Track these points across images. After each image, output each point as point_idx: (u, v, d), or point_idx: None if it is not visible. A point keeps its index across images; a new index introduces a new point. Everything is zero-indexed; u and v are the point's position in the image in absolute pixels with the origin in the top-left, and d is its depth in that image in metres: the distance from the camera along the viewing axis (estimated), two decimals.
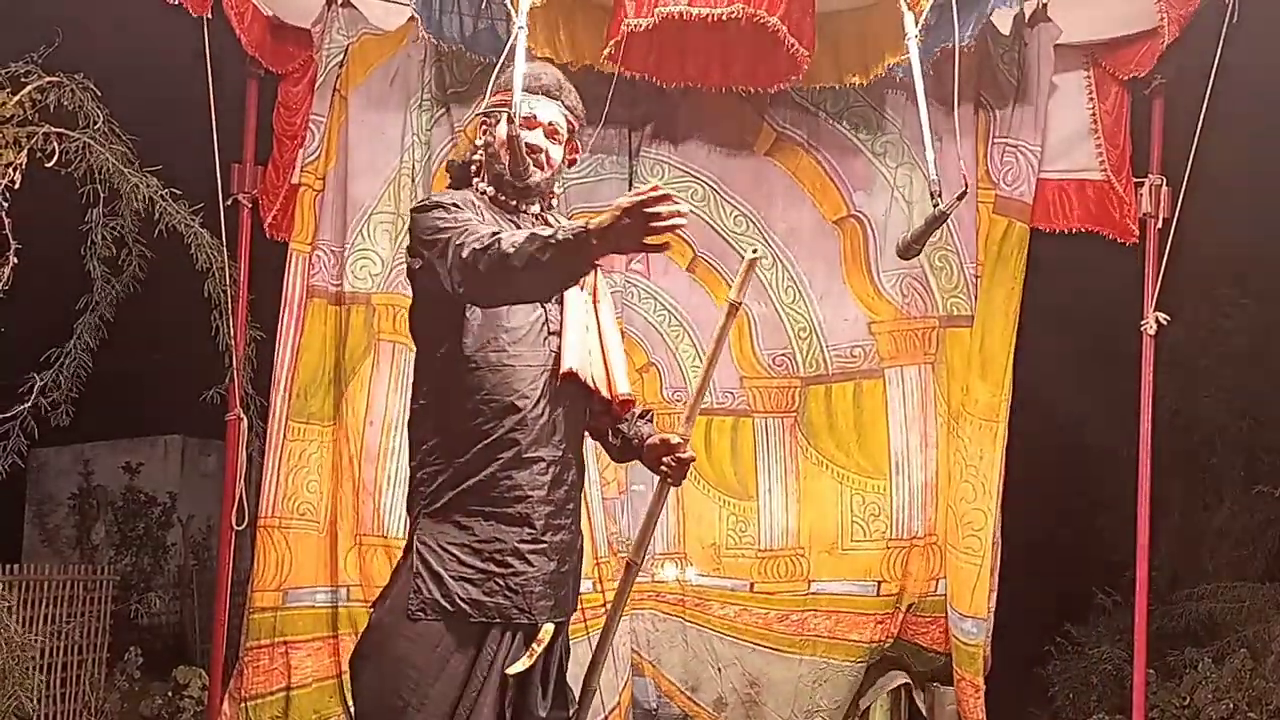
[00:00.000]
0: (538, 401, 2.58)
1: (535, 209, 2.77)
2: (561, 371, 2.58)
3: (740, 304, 2.69)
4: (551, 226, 2.47)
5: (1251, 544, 6.44)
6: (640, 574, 4.76)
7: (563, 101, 2.76)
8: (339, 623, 4.62)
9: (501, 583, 2.53)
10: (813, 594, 4.93)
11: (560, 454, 2.62)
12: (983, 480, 4.76)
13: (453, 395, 2.60)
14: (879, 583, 4.90)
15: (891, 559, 4.90)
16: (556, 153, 2.75)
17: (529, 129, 2.69)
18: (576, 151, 2.87)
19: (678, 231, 2.19)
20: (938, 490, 4.91)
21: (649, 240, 2.20)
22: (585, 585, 2.98)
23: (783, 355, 5.04)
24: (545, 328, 2.63)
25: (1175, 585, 6.46)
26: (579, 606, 2.83)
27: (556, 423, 2.61)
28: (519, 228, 2.69)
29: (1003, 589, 4.76)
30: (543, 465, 2.58)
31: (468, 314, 2.57)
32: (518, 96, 2.65)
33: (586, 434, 2.83)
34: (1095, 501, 7.38)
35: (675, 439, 2.70)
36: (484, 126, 2.79)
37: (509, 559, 2.54)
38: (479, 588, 2.52)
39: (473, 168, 2.81)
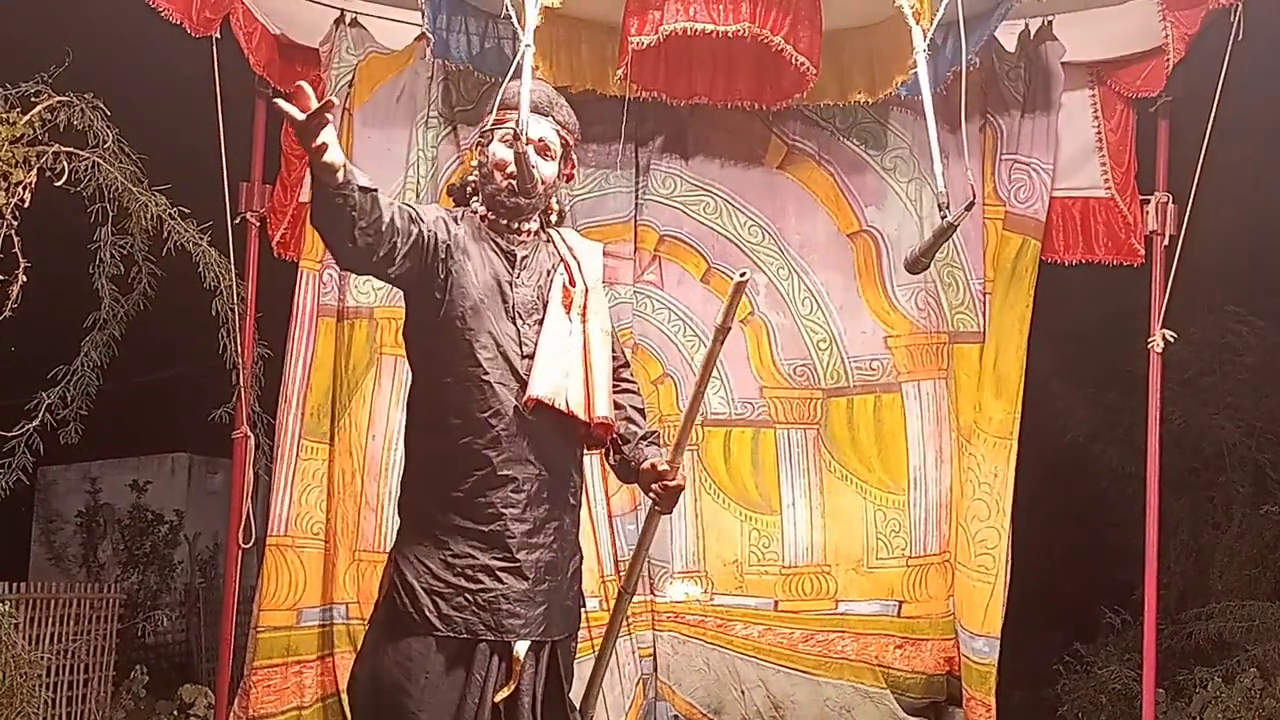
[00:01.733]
0: (511, 421, 2.59)
1: (533, 225, 2.78)
2: (524, 399, 2.58)
3: (729, 329, 2.65)
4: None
5: (1260, 562, 6.40)
6: (659, 594, 4.77)
7: (553, 117, 2.77)
8: (336, 640, 4.59)
9: (470, 598, 2.54)
10: (840, 614, 4.84)
11: (538, 473, 2.62)
12: (996, 498, 4.70)
13: (433, 410, 2.64)
14: (900, 603, 4.84)
15: (912, 578, 4.85)
16: (548, 169, 2.75)
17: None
18: (573, 167, 2.88)
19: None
20: (951, 507, 4.87)
21: (315, 143, 2.17)
22: (592, 604, 2.97)
23: (803, 365, 4.97)
24: (520, 349, 2.63)
25: (1184, 604, 6.42)
26: (584, 624, 2.83)
27: (533, 442, 2.61)
28: (504, 250, 2.72)
29: (1011, 608, 4.71)
30: (517, 484, 2.59)
31: (449, 330, 2.59)
32: (524, 114, 2.65)
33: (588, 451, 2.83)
34: (1103, 520, 7.34)
35: (663, 465, 2.68)
36: (478, 147, 2.81)
37: (479, 575, 2.55)
38: (448, 602, 2.54)
39: (468, 189, 2.82)
